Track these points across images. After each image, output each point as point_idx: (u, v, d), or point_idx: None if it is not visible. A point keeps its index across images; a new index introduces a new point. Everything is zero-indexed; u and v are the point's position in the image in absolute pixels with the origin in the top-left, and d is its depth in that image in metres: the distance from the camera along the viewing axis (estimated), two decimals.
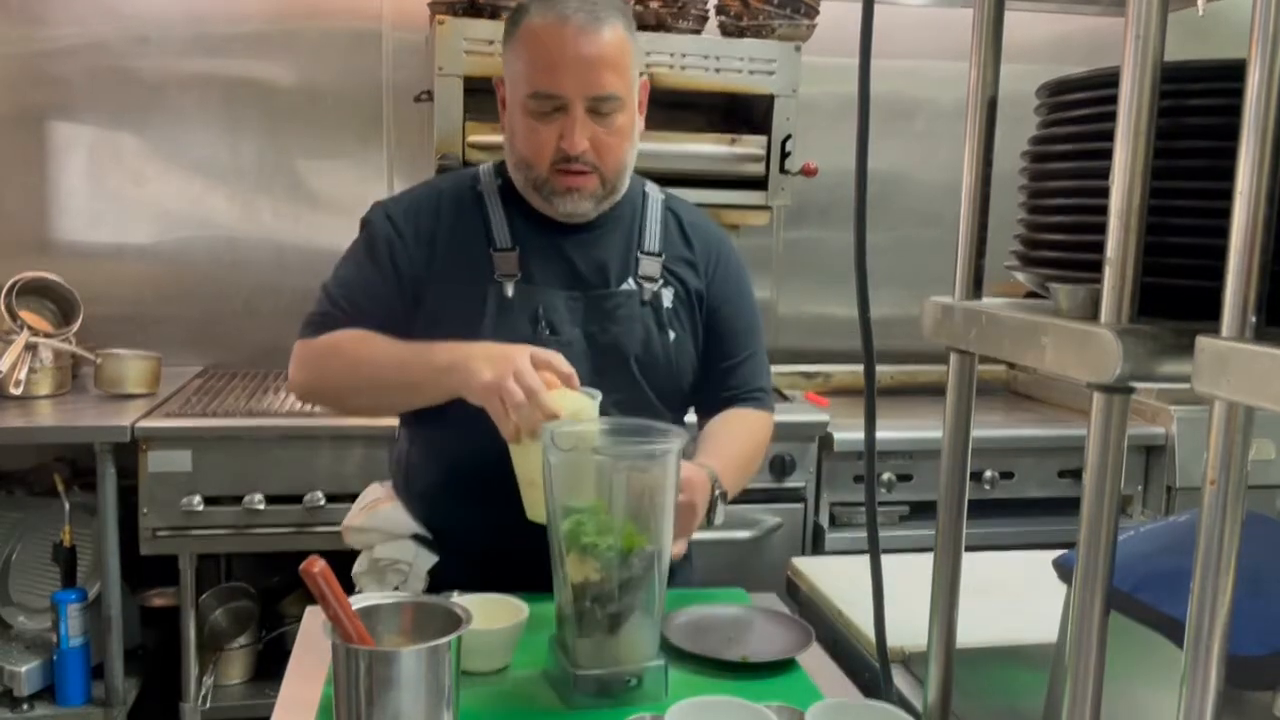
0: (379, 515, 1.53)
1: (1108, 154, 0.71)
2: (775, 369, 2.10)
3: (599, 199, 1.47)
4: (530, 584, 1.30)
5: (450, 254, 1.48)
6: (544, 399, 1.22)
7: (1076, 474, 2.65)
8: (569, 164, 1.42)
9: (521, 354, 1.27)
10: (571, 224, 1.50)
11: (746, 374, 1.60)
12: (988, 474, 2.63)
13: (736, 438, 1.55)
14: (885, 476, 2.58)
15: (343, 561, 1.57)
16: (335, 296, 1.48)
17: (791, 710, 1.09)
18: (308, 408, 2.45)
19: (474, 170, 1.57)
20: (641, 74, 1.50)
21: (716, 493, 1.40)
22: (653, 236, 1.55)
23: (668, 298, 1.53)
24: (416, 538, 1.51)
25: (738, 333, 1.59)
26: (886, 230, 3.14)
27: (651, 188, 1.61)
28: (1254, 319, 0.61)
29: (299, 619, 1.44)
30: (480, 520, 1.44)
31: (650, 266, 1.53)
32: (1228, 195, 0.61)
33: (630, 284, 1.52)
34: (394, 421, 1.63)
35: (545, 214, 1.50)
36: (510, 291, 1.46)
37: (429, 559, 1.49)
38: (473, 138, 2.46)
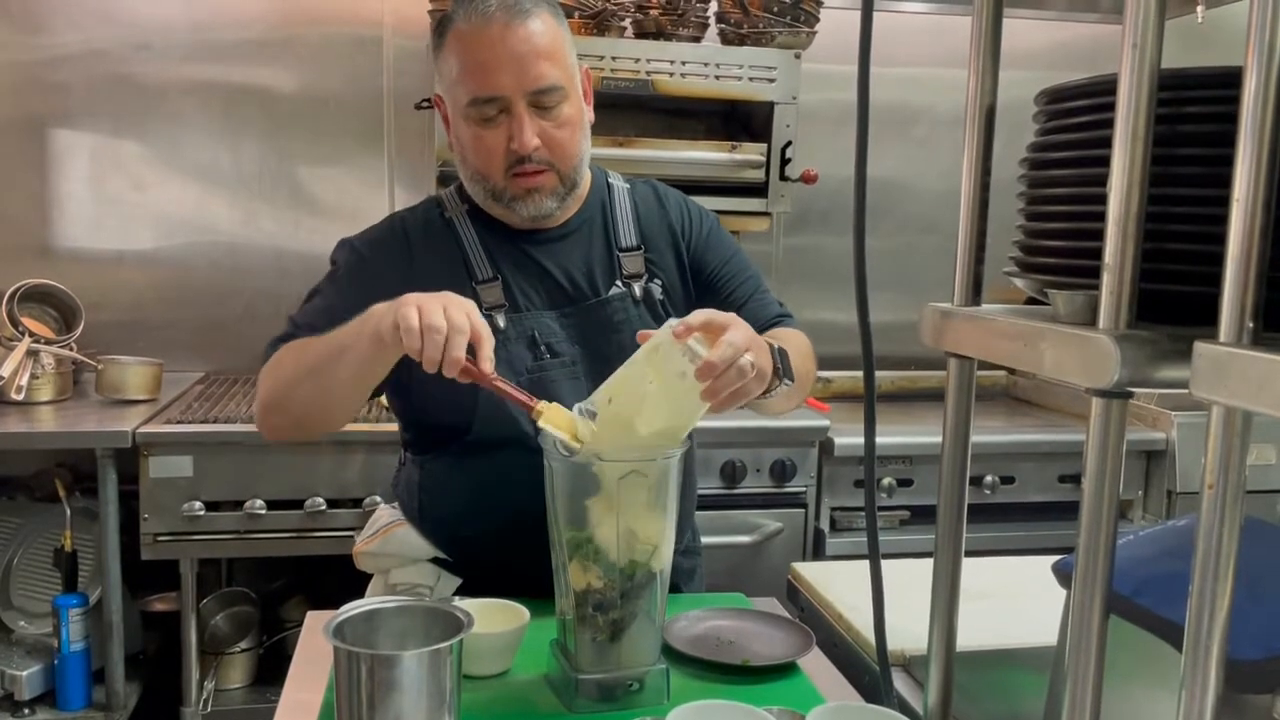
0: (394, 540, 1.50)
1: (1106, 161, 0.71)
2: None
3: (560, 196, 1.44)
4: (535, 589, 1.30)
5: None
6: (460, 338, 1.13)
7: (1077, 479, 2.64)
8: (523, 165, 1.39)
9: (461, 300, 1.18)
10: (546, 231, 1.48)
11: (760, 307, 1.53)
12: (988, 479, 2.63)
13: (784, 334, 1.45)
14: (885, 481, 2.58)
15: (344, 564, 1.57)
16: (299, 322, 1.42)
17: (792, 714, 1.09)
18: None
19: (435, 197, 1.54)
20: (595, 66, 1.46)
21: (776, 348, 1.28)
22: (628, 231, 1.52)
23: (657, 290, 1.51)
24: (435, 561, 1.49)
25: (735, 276, 1.55)
26: (886, 236, 3.14)
27: (615, 178, 1.58)
28: (1251, 324, 0.61)
29: (300, 623, 1.44)
30: (499, 543, 1.43)
31: (633, 263, 1.51)
32: (1225, 202, 0.62)
33: (619, 286, 1.50)
34: (393, 426, 1.62)
35: (515, 226, 1.47)
36: (503, 323, 1.43)
37: (452, 582, 1.47)
38: None
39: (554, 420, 1.16)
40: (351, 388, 1.32)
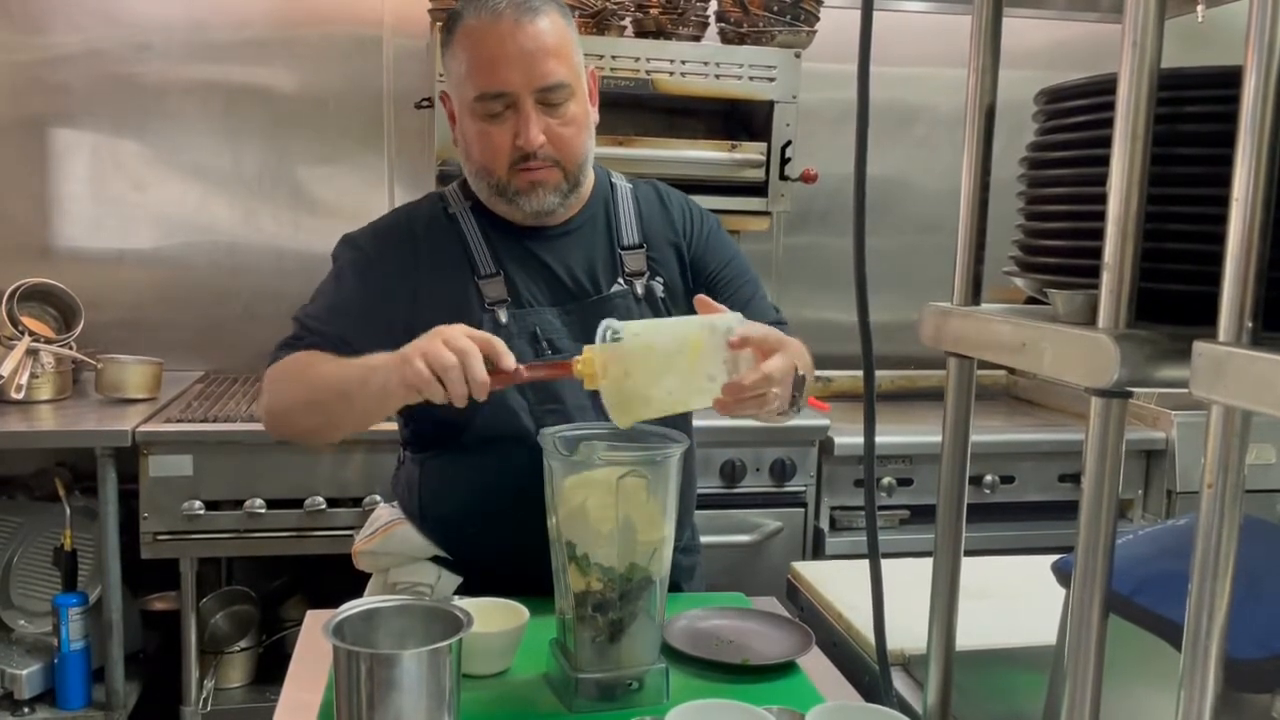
0: (394, 539, 1.50)
1: (1105, 160, 0.71)
2: None
3: (564, 193, 1.45)
4: (535, 588, 1.30)
5: (434, 288, 1.44)
6: (474, 361, 1.15)
7: (1077, 478, 2.63)
8: (527, 162, 1.40)
9: (452, 327, 1.20)
10: (548, 229, 1.49)
11: (757, 313, 1.50)
12: (988, 478, 2.63)
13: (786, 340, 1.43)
14: (885, 481, 2.59)
15: (344, 564, 1.57)
16: (305, 322, 1.44)
17: (792, 713, 1.09)
18: None
19: (438, 193, 1.55)
20: (589, 66, 1.47)
21: (798, 377, 1.27)
22: (630, 230, 1.53)
23: (659, 289, 1.51)
24: (436, 559, 1.49)
25: (736, 279, 1.55)
26: (886, 236, 3.14)
27: (618, 178, 1.59)
28: (1250, 324, 0.61)
29: (299, 623, 1.44)
30: (500, 541, 1.43)
31: (635, 261, 1.51)
32: (1224, 201, 0.62)
33: (620, 284, 1.50)
34: (393, 426, 1.62)
35: (518, 223, 1.47)
36: (504, 318, 1.44)
37: (453, 580, 1.47)
38: None
39: (591, 372, 1.15)
40: (359, 425, 1.36)
